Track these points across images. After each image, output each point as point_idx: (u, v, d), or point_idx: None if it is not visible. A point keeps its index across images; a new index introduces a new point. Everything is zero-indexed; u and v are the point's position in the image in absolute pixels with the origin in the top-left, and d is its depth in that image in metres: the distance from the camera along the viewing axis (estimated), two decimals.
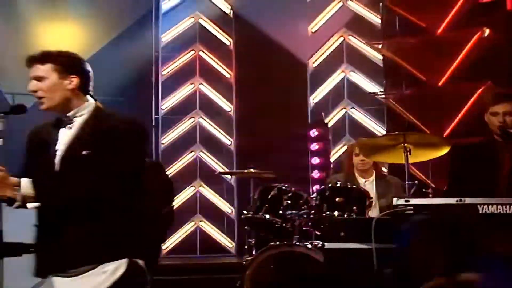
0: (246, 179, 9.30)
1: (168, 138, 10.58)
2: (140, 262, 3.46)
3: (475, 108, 8.66)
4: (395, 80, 9.52)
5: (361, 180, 6.54)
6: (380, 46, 9.50)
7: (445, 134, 8.64)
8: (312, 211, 5.74)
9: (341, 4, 10.27)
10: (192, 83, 10.68)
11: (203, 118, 10.61)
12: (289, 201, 5.91)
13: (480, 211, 4.17)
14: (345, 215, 5.57)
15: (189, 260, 9.94)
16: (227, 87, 10.72)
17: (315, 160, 9.62)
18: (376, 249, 4.10)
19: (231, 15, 10.76)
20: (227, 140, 10.56)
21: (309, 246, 5.55)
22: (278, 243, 5.72)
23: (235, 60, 10.72)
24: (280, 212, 5.87)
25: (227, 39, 10.75)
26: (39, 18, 10.69)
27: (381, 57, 9.86)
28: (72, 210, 3.32)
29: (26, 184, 3.34)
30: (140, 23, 10.79)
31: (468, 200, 4.19)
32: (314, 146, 9.52)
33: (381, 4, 9.79)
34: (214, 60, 10.71)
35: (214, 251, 10.19)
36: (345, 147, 9.98)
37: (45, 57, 3.51)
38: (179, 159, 10.48)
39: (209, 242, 10.31)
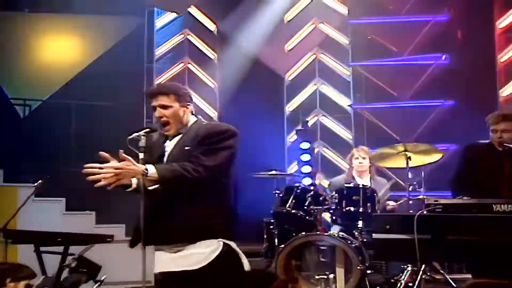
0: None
1: None
2: (233, 244, 3.88)
3: (436, 119, 9.55)
4: (363, 93, 10.27)
5: (359, 180, 7.22)
6: (359, 65, 10.20)
7: (408, 141, 9.49)
8: (333, 207, 6.43)
9: (313, 26, 10.94)
10: None
11: None
12: (310, 199, 6.55)
13: (494, 209, 4.87)
14: (360, 210, 6.35)
15: None
16: (212, 96, 11.24)
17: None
18: (418, 239, 4.77)
19: (216, 33, 11.28)
20: None
21: (332, 234, 6.25)
22: (304, 233, 6.32)
23: (218, 72, 11.25)
24: (305, 207, 6.50)
25: (212, 54, 11.28)
26: (43, 34, 10.98)
27: (348, 73, 10.56)
28: (182, 192, 3.77)
29: (151, 169, 3.69)
30: (133, 37, 11.20)
31: (485, 201, 4.90)
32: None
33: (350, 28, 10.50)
34: (200, 72, 11.27)
35: None
36: (317, 150, 10.72)
37: (167, 90, 4.01)
38: None
39: None
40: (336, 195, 6.49)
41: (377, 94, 10.06)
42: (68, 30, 11.29)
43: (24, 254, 8.18)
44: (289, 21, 11.07)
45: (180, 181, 3.74)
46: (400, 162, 6.67)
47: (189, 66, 11.25)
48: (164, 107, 3.97)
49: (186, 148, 3.88)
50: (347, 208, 6.40)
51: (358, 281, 6.10)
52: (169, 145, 4.03)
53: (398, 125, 9.73)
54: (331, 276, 6.37)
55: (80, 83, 10.93)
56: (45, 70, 11.23)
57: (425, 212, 4.91)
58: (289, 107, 10.99)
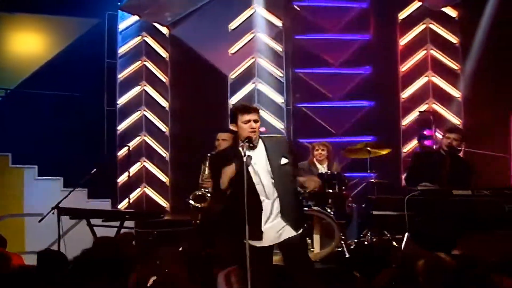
0: (178, 157, 10.95)
1: (122, 125, 11.77)
2: None
3: (362, 119, 11.17)
4: (301, 93, 11.67)
5: (319, 166, 8.60)
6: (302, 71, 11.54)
7: (340, 133, 11.06)
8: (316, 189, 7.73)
9: (253, 35, 11.98)
10: (139, 85, 11.93)
11: (147, 112, 11.93)
12: None
13: (454, 193, 6.44)
14: (337, 191, 7.73)
15: None
16: (164, 89, 12.10)
17: None
18: (407, 215, 6.24)
19: (168, 36, 12.12)
20: (163, 127, 11.97)
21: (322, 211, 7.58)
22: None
23: (170, 69, 12.14)
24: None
25: (165, 53, 12.12)
26: (9, 28, 11.24)
27: (282, 75, 11.83)
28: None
29: None
30: (96, 36, 11.69)
31: (448, 187, 6.46)
32: None
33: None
34: (155, 69, 12.08)
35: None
36: None
37: (258, 109, 5.16)
38: (130, 142, 11.69)
39: (152, 203, 11.69)
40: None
41: (314, 95, 11.45)
42: (37, 28, 11.56)
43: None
44: (232, 29, 12.03)
45: None
46: (363, 154, 8.20)
47: (146, 63, 12.03)
48: (257, 121, 5.08)
49: (285, 162, 5.01)
50: (329, 190, 7.77)
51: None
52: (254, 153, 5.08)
53: (332, 121, 11.23)
54: (309, 241, 7.71)
55: (45, 74, 11.29)
56: (12, 62, 11.45)
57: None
58: (232, 101, 12.01)
